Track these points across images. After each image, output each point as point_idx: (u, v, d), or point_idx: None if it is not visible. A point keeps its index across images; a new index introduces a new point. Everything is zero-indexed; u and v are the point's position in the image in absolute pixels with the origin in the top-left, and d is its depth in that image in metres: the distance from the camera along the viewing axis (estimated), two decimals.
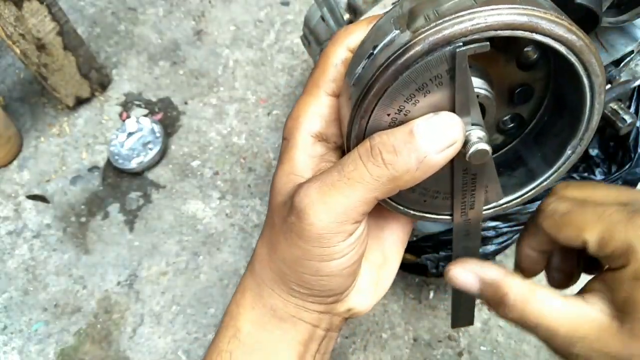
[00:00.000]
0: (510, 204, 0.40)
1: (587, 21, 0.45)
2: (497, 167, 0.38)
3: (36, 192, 1.16)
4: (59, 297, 1.06)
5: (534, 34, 0.29)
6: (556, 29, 0.29)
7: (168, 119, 1.22)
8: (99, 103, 1.25)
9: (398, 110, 0.32)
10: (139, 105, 1.24)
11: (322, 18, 0.72)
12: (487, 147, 0.33)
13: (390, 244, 0.43)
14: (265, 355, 0.40)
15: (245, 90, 1.23)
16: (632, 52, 0.56)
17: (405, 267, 0.98)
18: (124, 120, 1.21)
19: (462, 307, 0.49)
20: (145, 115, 1.22)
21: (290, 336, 0.40)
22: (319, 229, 0.34)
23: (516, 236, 0.88)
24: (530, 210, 0.86)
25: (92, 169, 1.18)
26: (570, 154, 0.37)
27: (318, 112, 0.38)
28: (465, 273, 0.39)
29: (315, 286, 0.37)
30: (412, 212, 0.39)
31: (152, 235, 1.10)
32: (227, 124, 1.20)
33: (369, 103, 0.32)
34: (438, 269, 0.91)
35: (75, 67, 1.16)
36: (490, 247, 0.88)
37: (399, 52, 0.30)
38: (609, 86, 0.62)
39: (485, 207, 0.40)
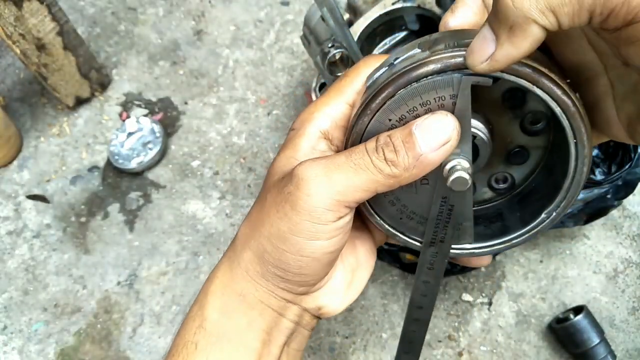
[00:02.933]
0: (478, 251, 0.42)
1: None
2: (477, 218, 0.41)
3: (36, 192, 1.16)
4: (59, 297, 1.06)
5: (534, 87, 0.32)
6: (554, 89, 0.32)
7: (168, 119, 1.22)
8: (99, 103, 1.25)
9: (399, 118, 0.36)
10: (139, 105, 1.24)
11: (322, 18, 0.72)
12: (468, 177, 0.35)
13: (364, 252, 0.46)
14: (230, 344, 0.40)
15: (245, 90, 1.23)
16: None
17: (405, 267, 0.98)
18: (124, 120, 1.21)
19: (408, 355, 0.51)
20: (145, 115, 1.22)
21: (256, 324, 0.40)
22: (316, 200, 0.35)
23: None
24: None
25: (92, 169, 1.18)
26: (545, 219, 0.39)
27: (332, 114, 0.40)
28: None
29: (293, 267, 0.38)
30: (386, 226, 0.42)
31: (152, 235, 1.10)
32: (227, 124, 1.20)
33: (377, 103, 0.35)
34: None
35: (75, 67, 1.16)
36: None
37: (415, 65, 0.33)
38: None
39: (454, 246, 0.42)
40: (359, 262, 0.45)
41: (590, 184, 0.85)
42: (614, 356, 0.90)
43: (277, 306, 0.40)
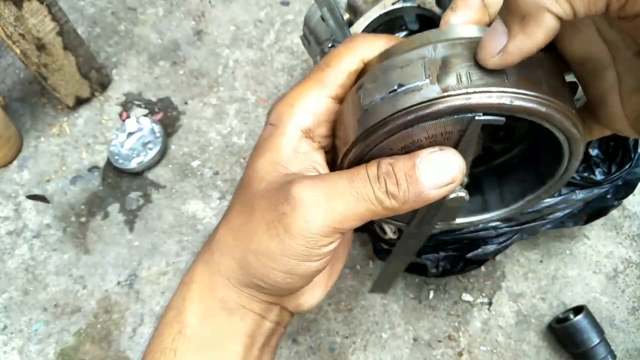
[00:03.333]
0: (457, 225, 0.43)
1: None
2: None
3: (36, 192, 1.16)
4: (59, 297, 1.06)
5: (545, 122, 0.32)
6: (566, 124, 0.32)
7: (168, 119, 1.22)
8: (99, 103, 1.25)
9: (402, 148, 0.34)
10: (139, 105, 1.24)
11: (322, 18, 0.72)
12: (465, 194, 0.35)
13: (342, 245, 0.44)
14: (211, 350, 0.38)
15: (245, 90, 1.23)
16: None
17: (405, 267, 0.98)
18: (124, 120, 1.21)
19: (387, 277, 0.51)
20: (145, 115, 1.22)
21: (237, 328, 0.39)
22: (314, 228, 0.34)
23: (516, 236, 0.88)
24: (530, 210, 0.86)
25: (92, 169, 1.18)
26: (526, 204, 0.40)
27: (313, 108, 0.37)
28: None
29: (281, 283, 0.37)
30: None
31: (152, 235, 1.10)
32: (227, 124, 1.20)
33: (378, 136, 0.33)
34: (438, 268, 0.91)
35: (75, 67, 1.16)
36: (490, 247, 0.88)
37: (425, 104, 0.31)
38: None
39: (439, 222, 0.42)
40: (337, 255, 0.45)
41: (590, 184, 0.85)
42: (614, 356, 0.90)
43: (259, 309, 0.39)
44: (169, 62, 1.28)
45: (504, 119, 0.31)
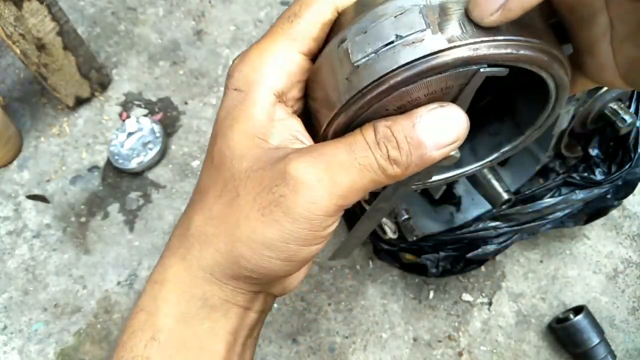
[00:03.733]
0: (434, 183, 0.41)
1: None
2: None
3: (36, 192, 1.16)
4: (59, 297, 1.06)
5: (541, 71, 0.30)
6: (560, 71, 0.30)
7: (168, 119, 1.22)
8: (99, 103, 1.25)
9: (398, 107, 0.31)
10: (139, 105, 1.24)
11: None
12: (457, 152, 0.32)
13: None
14: (189, 354, 0.34)
15: None
16: None
17: (405, 267, 0.98)
18: (124, 120, 1.21)
19: (351, 242, 0.48)
20: (145, 115, 1.22)
21: (219, 327, 0.35)
22: (319, 208, 0.30)
23: (516, 236, 0.88)
24: (530, 210, 0.86)
25: (92, 169, 1.18)
26: (500, 155, 0.38)
27: (285, 68, 0.32)
28: None
29: (277, 272, 0.33)
30: None
31: (152, 235, 1.10)
32: None
33: (375, 96, 0.29)
34: (438, 268, 0.91)
35: (75, 67, 1.16)
36: (490, 247, 0.88)
37: (429, 57, 0.28)
38: (605, 88, 0.62)
39: (415, 182, 0.39)
40: None
41: (590, 184, 0.85)
42: (614, 356, 0.90)
43: (244, 301, 0.35)
44: (169, 62, 1.28)
45: (507, 69, 0.29)
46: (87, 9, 1.37)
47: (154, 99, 1.25)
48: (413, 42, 0.28)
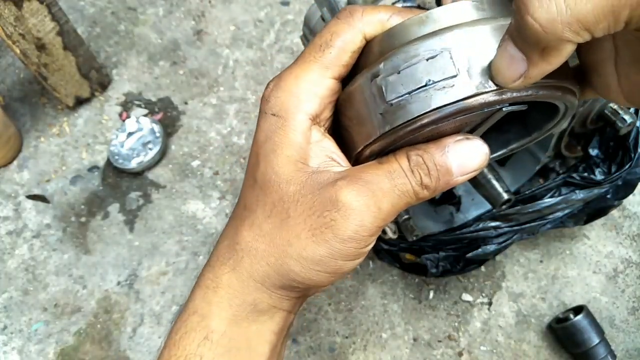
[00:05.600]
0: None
1: None
2: None
3: (36, 192, 1.16)
4: (59, 297, 1.06)
5: (555, 100, 0.33)
6: (572, 99, 0.33)
7: (168, 119, 1.22)
8: (99, 103, 1.25)
9: (426, 137, 0.35)
10: (139, 105, 1.24)
11: (322, 18, 0.72)
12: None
13: None
14: (238, 354, 0.38)
15: (245, 90, 1.23)
16: None
17: (405, 267, 0.98)
18: (124, 120, 1.21)
19: None
20: (145, 115, 1.22)
21: (265, 329, 0.39)
22: (365, 230, 0.34)
23: (516, 236, 0.88)
24: (530, 210, 0.86)
25: (92, 169, 1.18)
26: (508, 151, 0.41)
27: (319, 93, 0.35)
28: None
29: (322, 282, 0.36)
30: None
31: (152, 235, 1.10)
32: (227, 124, 1.20)
33: (407, 132, 0.32)
34: (438, 268, 0.91)
35: (75, 67, 1.16)
36: (490, 247, 0.88)
37: (459, 102, 0.30)
38: None
39: None
40: None
41: (590, 184, 0.85)
42: (614, 356, 0.90)
43: (288, 306, 0.39)
44: (169, 62, 1.28)
45: (526, 106, 0.33)
46: (87, 9, 1.37)
47: (154, 99, 1.25)
48: (444, 87, 0.30)
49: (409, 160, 0.34)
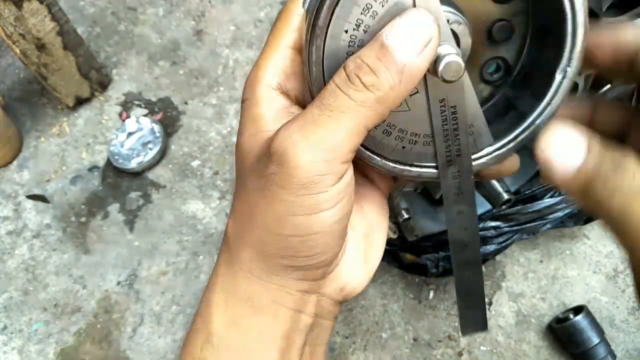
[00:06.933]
0: (504, 150, 0.36)
1: None
2: (485, 118, 0.35)
3: (36, 192, 1.16)
4: (59, 297, 1.06)
5: None
6: None
7: (168, 118, 1.22)
8: (99, 103, 1.25)
9: (356, 24, 0.30)
10: (139, 105, 1.24)
11: None
12: (459, 60, 0.30)
13: (373, 211, 0.40)
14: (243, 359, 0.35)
15: None
16: None
17: (405, 267, 0.98)
18: (124, 120, 1.21)
19: (472, 309, 0.43)
20: (145, 115, 1.22)
21: (269, 331, 0.35)
22: (305, 171, 0.30)
23: (516, 236, 0.88)
24: (530, 210, 0.86)
25: (92, 169, 1.18)
26: (561, 79, 0.33)
27: (277, 64, 0.34)
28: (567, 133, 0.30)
29: (301, 251, 0.33)
30: (391, 164, 0.35)
31: (152, 235, 1.10)
32: (227, 124, 1.20)
33: (323, 18, 0.29)
34: (438, 268, 0.91)
35: (75, 67, 1.16)
36: (490, 247, 0.88)
37: None
38: (609, 86, 0.62)
39: (475, 156, 0.36)
40: (371, 224, 0.39)
41: None
42: (614, 356, 0.90)
43: (293, 303, 0.35)
44: (169, 62, 1.28)
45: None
46: (87, 9, 1.37)
47: (154, 99, 1.25)
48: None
49: (345, 70, 0.29)
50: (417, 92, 0.33)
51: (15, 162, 1.19)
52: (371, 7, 0.30)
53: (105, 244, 1.10)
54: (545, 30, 0.35)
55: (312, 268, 0.34)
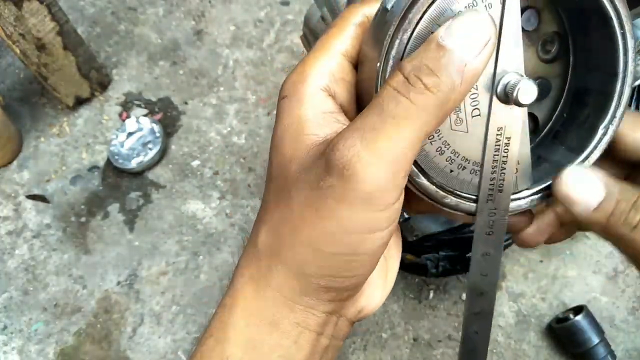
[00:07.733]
0: (539, 195, 0.36)
1: None
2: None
3: (36, 192, 1.16)
4: (59, 297, 1.06)
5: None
6: None
7: (168, 118, 1.22)
8: (99, 103, 1.25)
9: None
10: (139, 105, 1.24)
11: (322, 18, 0.72)
12: (532, 83, 0.30)
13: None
14: None
15: (245, 90, 1.23)
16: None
17: (405, 267, 0.98)
18: (124, 120, 1.21)
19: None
20: (145, 115, 1.22)
21: (289, 356, 0.33)
22: (370, 185, 0.28)
23: None
24: None
25: (92, 169, 1.18)
26: (602, 135, 0.34)
27: (328, 66, 0.33)
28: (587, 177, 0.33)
29: (344, 271, 0.31)
30: (433, 187, 0.34)
31: (152, 235, 1.10)
32: (227, 123, 1.20)
33: (414, 13, 0.29)
34: (438, 269, 0.91)
35: (75, 67, 1.16)
36: None
37: None
38: None
39: (513, 195, 0.35)
40: (389, 245, 0.37)
41: None
42: (614, 356, 0.90)
43: (316, 325, 0.33)
44: (169, 62, 1.28)
45: None
46: (87, 9, 1.37)
47: (154, 99, 1.25)
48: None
49: (402, 72, 0.28)
50: (479, 114, 0.32)
51: (15, 162, 1.19)
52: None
53: (105, 244, 1.10)
54: (584, 91, 0.36)
55: (346, 289, 0.32)
